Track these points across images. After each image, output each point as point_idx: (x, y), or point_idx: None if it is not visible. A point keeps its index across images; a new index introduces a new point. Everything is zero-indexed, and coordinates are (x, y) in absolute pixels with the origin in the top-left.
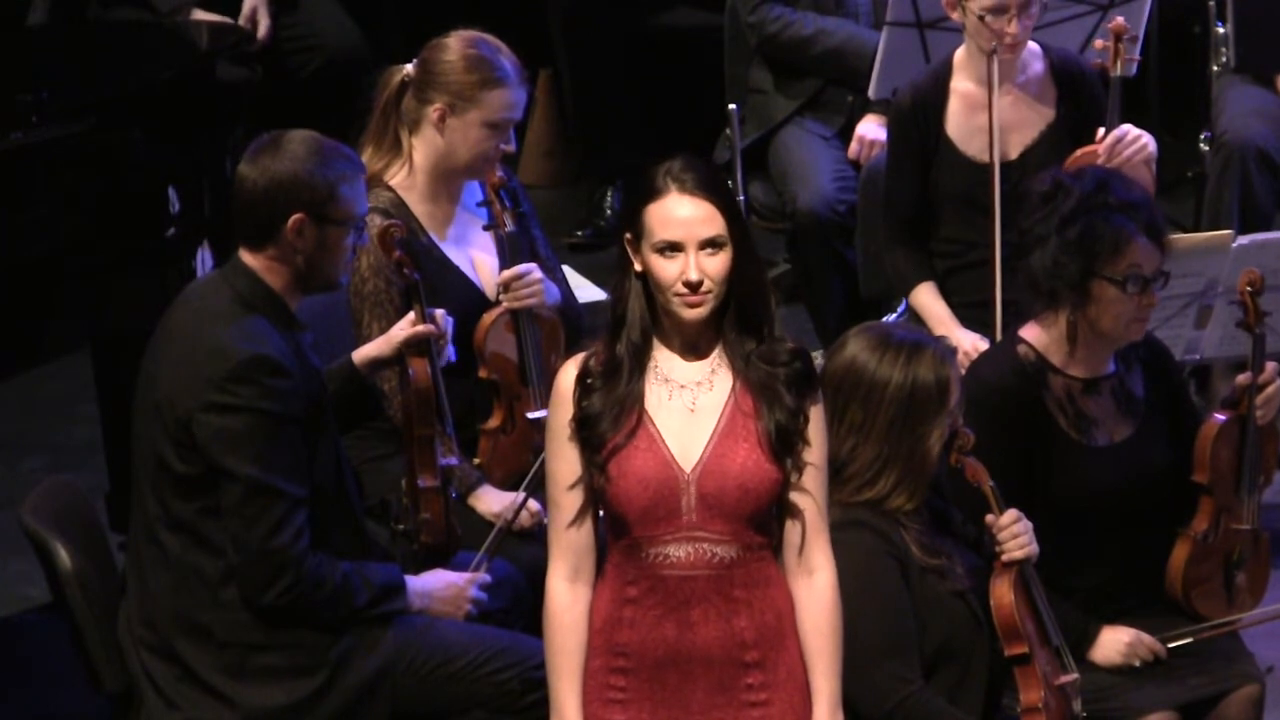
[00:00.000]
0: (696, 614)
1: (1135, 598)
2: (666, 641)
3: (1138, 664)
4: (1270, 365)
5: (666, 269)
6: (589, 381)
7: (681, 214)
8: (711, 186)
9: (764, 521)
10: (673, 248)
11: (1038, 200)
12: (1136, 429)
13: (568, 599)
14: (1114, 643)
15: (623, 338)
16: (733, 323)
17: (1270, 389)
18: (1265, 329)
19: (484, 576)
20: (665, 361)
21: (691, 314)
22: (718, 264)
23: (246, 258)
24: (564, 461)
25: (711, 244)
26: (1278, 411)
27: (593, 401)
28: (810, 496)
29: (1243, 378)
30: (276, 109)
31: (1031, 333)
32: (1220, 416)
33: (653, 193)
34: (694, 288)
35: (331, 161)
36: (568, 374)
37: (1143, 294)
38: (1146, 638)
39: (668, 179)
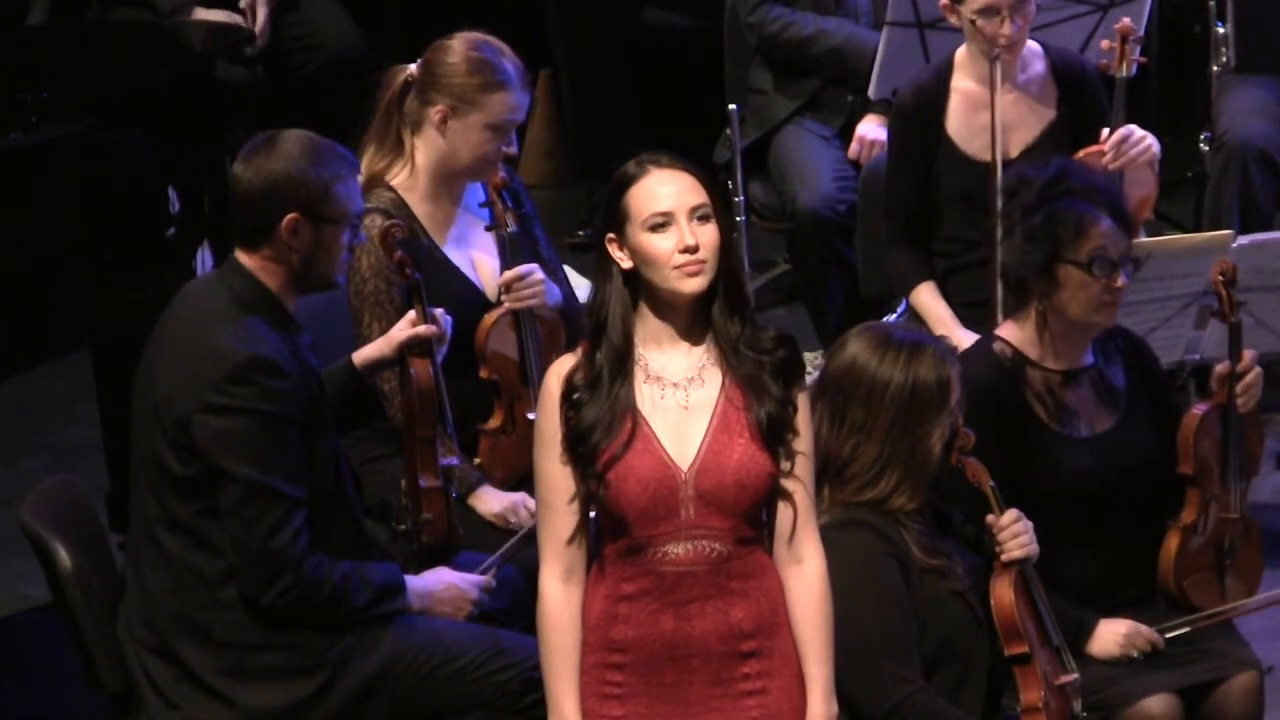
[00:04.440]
0: (694, 608)
1: (1127, 590)
2: (664, 636)
3: (1135, 655)
4: (1248, 353)
5: (660, 244)
6: (575, 396)
7: (666, 187)
8: (686, 163)
9: (757, 515)
10: (664, 221)
11: (1004, 196)
12: (1118, 420)
13: (562, 599)
14: (1111, 635)
15: (603, 344)
16: (721, 304)
17: (1250, 377)
18: (1240, 317)
19: (490, 581)
20: (654, 360)
21: (692, 284)
22: (709, 233)
23: (243, 258)
24: (554, 464)
25: (700, 213)
26: (1259, 400)
27: (581, 416)
28: (800, 484)
29: (1221, 367)
30: (276, 109)
31: (1007, 330)
32: (1201, 407)
33: (630, 180)
34: (692, 251)
35: (326, 160)
36: (554, 381)
37: (1110, 277)
38: (1144, 629)
39: (641, 164)
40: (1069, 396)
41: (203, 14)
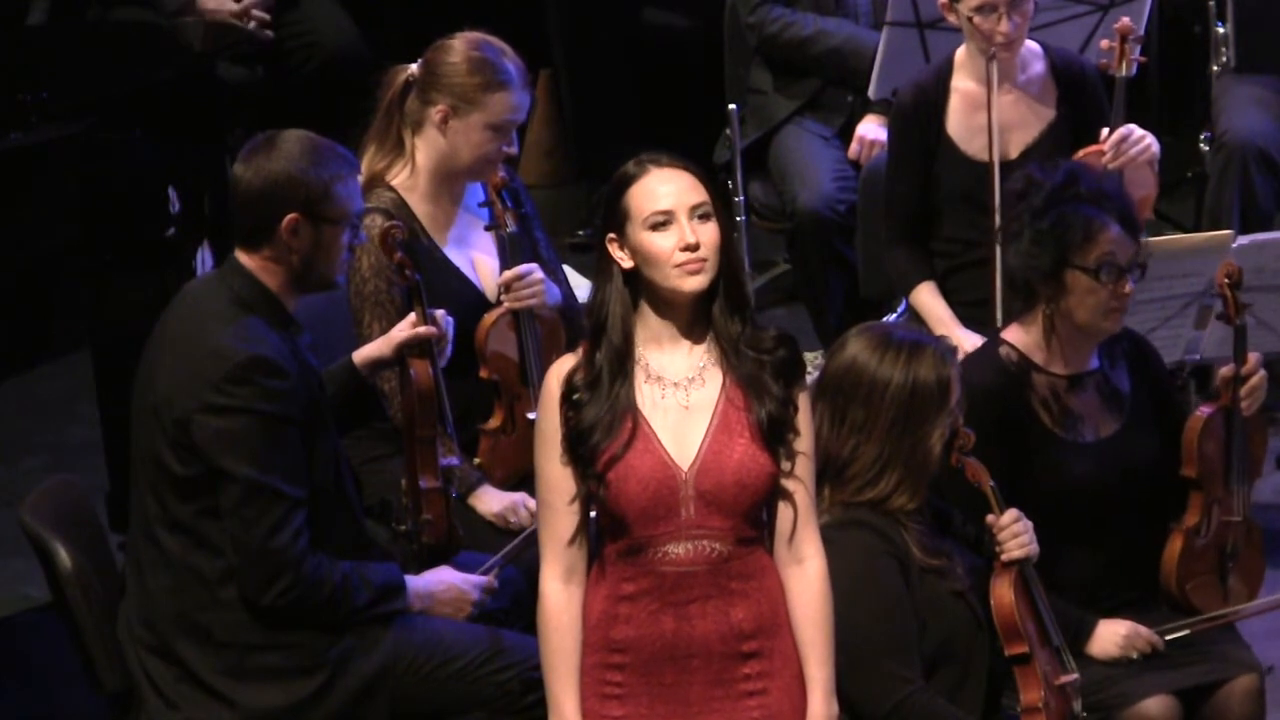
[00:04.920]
0: (694, 609)
1: (1127, 590)
2: (664, 636)
3: (1135, 656)
4: (1253, 356)
5: (661, 242)
6: (575, 396)
7: (666, 186)
8: (686, 162)
9: (758, 515)
10: (664, 219)
11: (1012, 199)
12: (1123, 424)
13: (563, 600)
14: (1111, 635)
15: (603, 344)
16: (721, 304)
17: (1254, 379)
18: (1245, 320)
19: (493, 581)
20: (655, 360)
21: (693, 283)
22: (710, 232)
23: (243, 258)
24: (554, 464)
25: (701, 211)
26: (1264, 402)
27: (582, 416)
28: (801, 484)
29: (1225, 370)
30: (276, 109)
31: (1013, 333)
32: (1205, 410)
33: (630, 180)
34: (693, 250)
35: (325, 160)
36: (554, 381)
37: (1117, 283)
38: (1144, 630)
39: (641, 164)
40: (1074, 401)
41: (209, 1)
